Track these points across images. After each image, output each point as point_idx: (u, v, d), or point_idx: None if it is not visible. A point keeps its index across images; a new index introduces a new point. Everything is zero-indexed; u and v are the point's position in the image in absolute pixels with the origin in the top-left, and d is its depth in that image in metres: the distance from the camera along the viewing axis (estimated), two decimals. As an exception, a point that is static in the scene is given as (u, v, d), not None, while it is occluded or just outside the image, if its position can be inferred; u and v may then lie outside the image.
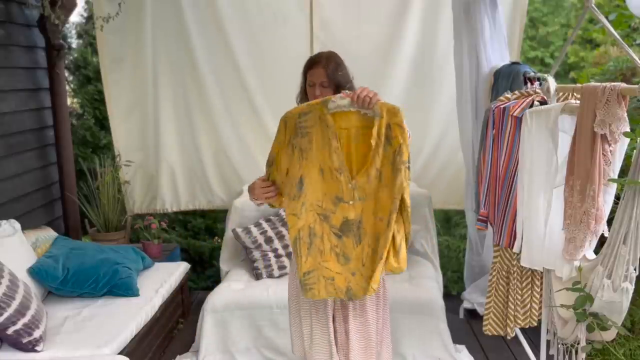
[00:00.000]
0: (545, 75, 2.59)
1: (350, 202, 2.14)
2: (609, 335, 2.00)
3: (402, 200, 2.11)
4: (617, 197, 1.97)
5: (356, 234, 2.16)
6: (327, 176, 2.15)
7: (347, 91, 2.15)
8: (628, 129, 1.88)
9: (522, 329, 3.20)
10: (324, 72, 2.30)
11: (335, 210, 2.16)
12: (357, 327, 2.31)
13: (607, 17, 3.00)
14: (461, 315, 3.85)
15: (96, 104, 5.76)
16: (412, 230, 3.66)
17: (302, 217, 2.16)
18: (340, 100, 2.10)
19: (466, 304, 3.83)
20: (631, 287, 1.86)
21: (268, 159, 2.23)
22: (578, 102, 2.09)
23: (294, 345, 2.44)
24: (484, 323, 2.82)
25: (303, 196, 2.15)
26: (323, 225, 2.17)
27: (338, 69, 2.33)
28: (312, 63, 2.35)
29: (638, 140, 1.84)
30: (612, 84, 1.89)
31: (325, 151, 2.12)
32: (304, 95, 2.43)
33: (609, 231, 1.93)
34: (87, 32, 5.66)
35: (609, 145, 1.92)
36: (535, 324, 2.70)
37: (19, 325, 2.51)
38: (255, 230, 3.67)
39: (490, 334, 2.81)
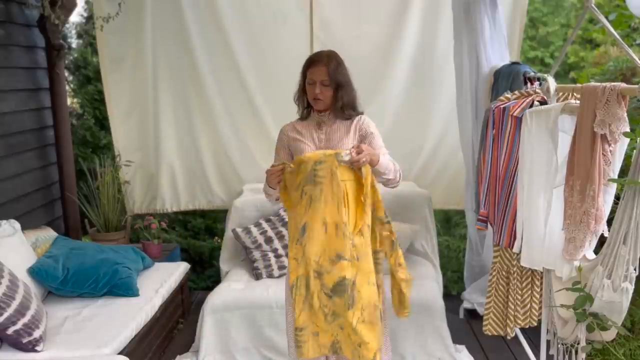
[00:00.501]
0: (545, 75, 2.59)
1: (350, 260, 2.16)
2: (609, 335, 2.00)
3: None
4: (617, 197, 1.97)
5: (350, 297, 2.14)
6: (330, 231, 2.17)
7: (350, 150, 2.20)
8: (628, 129, 1.88)
9: (522, 329, 3.20)
10: (325, 70, 2.29)
11: (331, 270, 2.16)
12: None
13: (607, 17, 2.99)
14: (461, 315, 3.84)
15: (96, 104, 5.76)
16: (413, 231, 3.67)
17: (302, 265, 2.19)
18: (346, 157, 2.18)
19: (466, 304, 3.83)
20: (631, 287, 1.86)
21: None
22: (578, 102, 2.09)
23: (290, 348, 2.42)
24: (484, 323, 2.82)
25: (303, 244, 2.18)
26: (316, 283, 2.18)
27: (339, 68, 2.32)
28: (313, 61, 2.34)
29: (638, 140, 1.84)
30: (612, 84, 1.89)
31: (333, 205, 2.16)
32: (301, 94, 2.42)
33: (609, 231, 1.93)
34: (87, 32, 5.66)
35: (609, 145, 1.92)
36: (535, 324, 2.70)
37: (19, 325, 2.51)
38: (255, 230, 3.67)
39: (490, 334, 2.81)
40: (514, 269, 2.66)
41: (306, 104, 2.43)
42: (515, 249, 2.49)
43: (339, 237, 2.16)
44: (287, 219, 3.68)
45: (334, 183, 2.16)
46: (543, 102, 2.45)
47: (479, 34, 3.37)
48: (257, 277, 3.49)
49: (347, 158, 2.17)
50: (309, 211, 2.18)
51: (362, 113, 2.43)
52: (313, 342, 2.20)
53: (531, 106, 2.44)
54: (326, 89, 2.30)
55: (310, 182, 2.18)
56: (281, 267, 3.50)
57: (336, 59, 2.34)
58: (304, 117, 2.46)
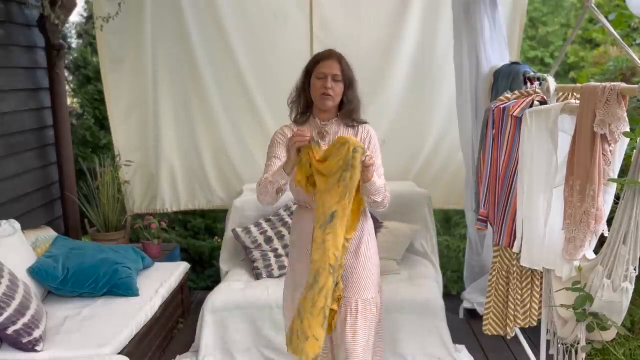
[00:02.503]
0: (545, 75, 2.59)
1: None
2: (609, 335, 2.00)
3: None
4: (617, 197, 1.97)
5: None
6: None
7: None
8: (628, 129, 1.88)
9: (522, 329, 3.20)
10: (338, 65, 2.20)
11: (339, 270, 2.15)
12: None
13: (607, 17, 2.99)
14: (461, 315, 3.84)
15: (96, 104, 5.76)
16: (413, 231, 3.67)
17: (318, 254, 2.08)
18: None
19: (466, 304, 3.83)
20: (631, 287, 1.86)
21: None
22: (578, 102, 2.09)
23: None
24: (484, 323, 2.82)
25: (327, 233, 2.05)
26: (330, 279, 2.07)
27: (349, 67, 2.25)
28: (324, 56, 2.24)
29: (638, 140, 1.84)
30: (612, 84, 1.89)
31: (352, 199, 2.08)
32: (300, 96, 2.29)
33: (609, 231, 1.93)
34: (87, 32, 5.65)
35: (609, 145, 1.92)
36: (535, 324, 2.70)
37: (19, 325, 2.51)
38: (255, 230, 3.67)
39: (490, 334, 2.81)
40: (514, 269, 2.66)
41: (303, 109, 2.32)
42: (515, 249, 2.49)
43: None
44: (287, 219, 3.69)
45: (357, 176, 2.04)
46: (543, 102, 2.45)
47: (479, 34, 3.37)
48: (257, 277, 3.49)
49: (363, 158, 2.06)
50: (343, 201, 2.04)
51: (366, 122, 2.35)
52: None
53: (531, 106, 2.44)
54: (337, 84, 2.20)
55: (348, 169, 2.01)
56: (281, 267, 3.50)
57: (345, 58, 2.27)
58: (300, 122, 2.33)
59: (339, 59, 2.23)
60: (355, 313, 2.25)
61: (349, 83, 2.23)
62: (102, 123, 5.72)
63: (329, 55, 2.24)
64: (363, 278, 2.28)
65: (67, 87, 5.00)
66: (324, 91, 2.19)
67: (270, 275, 3.48)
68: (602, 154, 1.93)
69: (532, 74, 2.98)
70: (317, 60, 2.24)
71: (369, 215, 2.38)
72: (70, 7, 3.83)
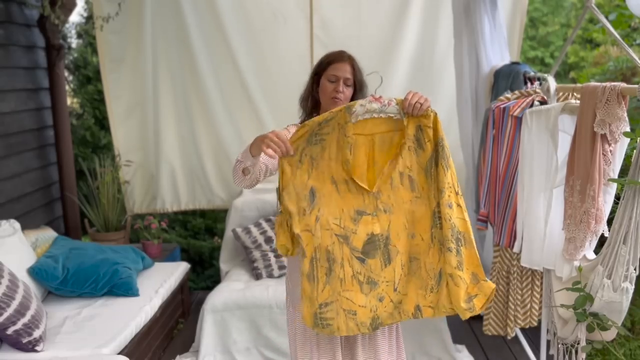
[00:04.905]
0: (545, 75, 2.59)
1: (375, 214, 1.89)
2: (609, 335, 2.00)
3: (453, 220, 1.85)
4: (617, 197, 1.97)
5: (384, 252, 1.88)
6: (342, 188, 1.90)
7: (374, 94, 1.93)
8: (628, 129, 1.88)
9: (522, 329, 3.20)
10: (351, 69, 2.12)
11: (356, 230, 1.88)
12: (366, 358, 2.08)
13: (607, 17, 2.99)
14: (461, 315, 3.84)
15: (96, 104, 5.76)
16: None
17: (318, 234, 1.87)
18: (370, 104, 1.88)
19: (466, 304, 3.82)
20: (631, 287, 1.86)
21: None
22: (578, 102, 2.09)
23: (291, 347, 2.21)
24: (484, 323, 2.82)
25: (316, 210, 1.88)
26: (343, 249, 1.88)
27: (359, 70, 2.17)
28: (336, 58, 2.15)
29: (638, 140, 1.84)
30: (612, 83, 1.89)
31: (338, 161, 1.90)
32: (307, 97, 2.21)
33: (609, 231, 1.93)
34: (87, 32, 5.66)
35: (609, 145, 1.92)
36: (535, 324, 2.71)
37: (18, 325, 2.50)
38: (255, 230, 3.67)
39: (490, 334, 2.81)
40: (514, 269, 2.66)
41: (310, 109, 2.23)
42: (515, 249, 2.49)
43: (352, 192, 1.89)
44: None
45: (339, 138, 1.88)
46: (543, 102, 2.45)
47: (479, 34, 3.37)
48: (257, 277, 3.49)
49: (373, 106, 1.87)
50: (313, 172, 1.88)
51: None
52: (347, 319, 1.87)
53: (531, 106, 2.44)
54: (348, 88, 2.13)
55: (310, 144, 1.88)
56: (281, 267, 3.50)
57: (356, 61, 2.19)
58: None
59: (351, 61, 2.16)
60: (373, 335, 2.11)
61: (359, 87, 2.17)
62: (102, 123, 5.72)
63: (341, 57, 2.16)
64: None
65: (67, 87, 5.00)
66: (335, 95, 2.12)
67: (270, 275, 3.48)
68: (602, 153, 1.93)
69: (532, 74, 2.98)
70: (329, 61, 2.16)
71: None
72: (70, 7, 3.83)
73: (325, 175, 1.90)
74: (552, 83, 2.43)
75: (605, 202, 1.99)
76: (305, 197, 1.89)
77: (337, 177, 1.90)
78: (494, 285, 1.92)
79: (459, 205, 1.92)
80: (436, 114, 1.95)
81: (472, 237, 1.92)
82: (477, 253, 1.92)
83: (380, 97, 1.90)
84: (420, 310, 1.92)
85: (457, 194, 1.93)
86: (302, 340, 2.10)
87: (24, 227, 3.29)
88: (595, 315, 1.92)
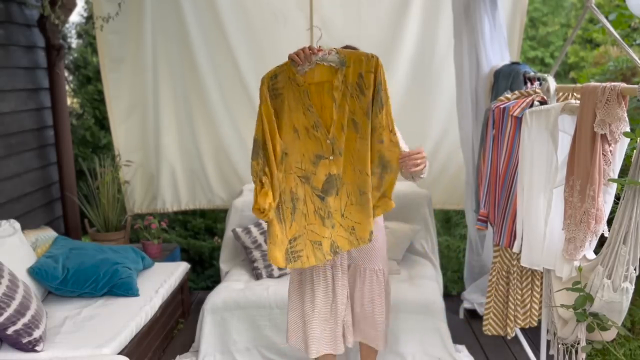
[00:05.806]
0: (545, 75, 2.59)
1: (331, 158, 2.17)
2: (609, 335, 2.00)
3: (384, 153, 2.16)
4: (617, 197, 1.97)
5: (334, 187, 2.19)
6: (302, 135, 2.18)
7: (335, 48, 2.17)
8: (628, 129, 1.88)
9: (522, 329, 3.20)
10: None
11: (315, 171, 2.18)
12: (360, 294, 2.43)
13: (607, 17, 3.00)
14: (461, 315, 3.85)
15: (96, 104, 5.76)
16: (413, 231, 3.67)
17: (284, 178, 2.18)
18: (330, 57, 2.16)
19: (466, 304, 3.83)
20: (631, 287, 1.86)
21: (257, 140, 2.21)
22: (578, 102, 2.09)
23: (290, 332, 2.47)
24: (484, 323, 2.82)
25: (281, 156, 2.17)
26: (305, 188, 2.19)
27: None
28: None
29: (638, 140, 1.84)
30: (612, 84, 1.89)
31: (298, 110, 2.16)
32: None
33: (609, 231, 1.93)
34: (87, 32, 5.66)
35: (609, 145, 1.92)
36: (535, 324, 2.70)
37: (18, 325, 2.51)
38: (255, 230, 3.67)
39: (490, 334, 2.81)
40: (514, 269, 2.66)
41: None
42: (515, 249, 2.49)
43: (311, 138, 2.17)
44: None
45: (293, 89, 2.16)
46: (543, 102, 2.45)
47: (479, 34, 3.37)
48: (257, 277, 3.49)
49: (332, 58, 2.16)
50: (279, 123, 2.17)
51: None
52: (315, 250, 2.20)
53: (531, 106, 2.44)
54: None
55: (273, 99, 2.17)
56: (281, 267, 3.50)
57: None
58: None
59: None
60: (363, 279, 2.45)
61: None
62: (102, 123, 5.72)
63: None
64: (370, 251, 2.46)
65: (67, 87, 5.00)
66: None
67: (270, 275, 3.48)
68: (602, 154, 1.93)
69: (532, 74, 2.98)
70: None
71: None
72: (70, 7, 3.83)
73: (287, 125, 2.17)
74: (552, 83, 2.43)
75: (605, 202, 1.99)
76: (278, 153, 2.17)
77: (298, 125, 2.17)
78: (394, 205, 2.25)
79: (391, 140, 2.20)
80: (378, 58, 2.17)
81: (398, 167, 2.22)
82: (395, 180, 2.24)
83: (320, 47, 2.18)
84: (373, 234, 2.23)
85: (390, 131, 2.20)
86: (300, 282, 2.45)
87: (24, 227, 3.29)
88: (595, 315, 1.92)
